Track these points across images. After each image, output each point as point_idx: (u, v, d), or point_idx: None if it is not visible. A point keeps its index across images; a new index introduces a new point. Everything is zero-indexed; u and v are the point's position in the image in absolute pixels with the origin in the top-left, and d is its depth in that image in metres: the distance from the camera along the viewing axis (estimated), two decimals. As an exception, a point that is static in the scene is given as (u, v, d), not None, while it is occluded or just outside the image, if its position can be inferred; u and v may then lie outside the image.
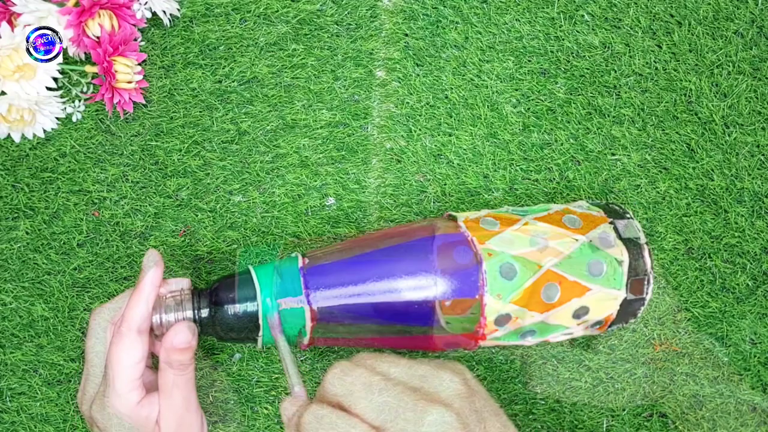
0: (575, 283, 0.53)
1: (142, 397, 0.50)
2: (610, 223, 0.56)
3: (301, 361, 0.63)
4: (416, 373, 0.42)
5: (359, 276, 0.52)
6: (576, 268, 0.53)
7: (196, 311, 0.51)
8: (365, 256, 0.53)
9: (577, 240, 0.54)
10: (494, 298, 0.52)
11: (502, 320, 0.54)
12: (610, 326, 0.57)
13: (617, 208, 0.58)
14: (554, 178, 0.65)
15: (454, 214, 0.57)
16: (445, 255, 0.52)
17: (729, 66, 0.66)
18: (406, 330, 0.53)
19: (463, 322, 0.53)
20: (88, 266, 0.63)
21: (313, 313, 0.51)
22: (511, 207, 0.59)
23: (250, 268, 0.53)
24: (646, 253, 0.55)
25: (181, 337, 0.48)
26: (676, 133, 0.65)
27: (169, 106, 0.64)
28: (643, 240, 0.56)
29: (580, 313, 0.55)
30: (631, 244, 0.55)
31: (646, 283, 0.55)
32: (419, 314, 0.53)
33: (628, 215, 0.57)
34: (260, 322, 0.51)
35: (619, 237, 0.55)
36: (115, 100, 0.62)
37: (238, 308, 0.51)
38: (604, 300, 0.55)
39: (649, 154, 0.65)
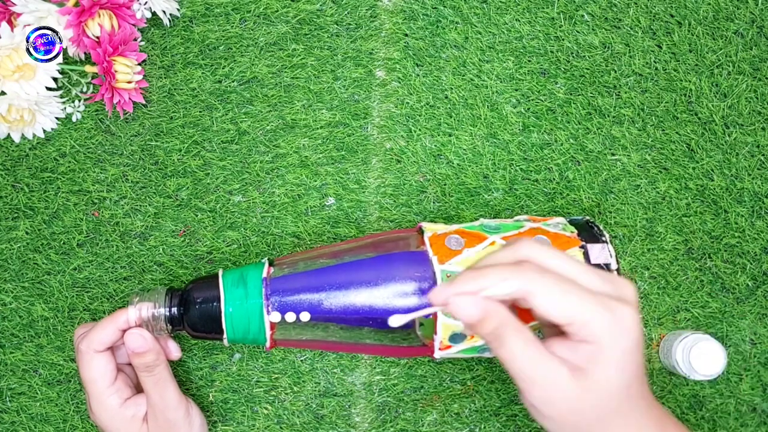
0: None
1: (127, 399, 0.54)
2: (581, 247, 0.54)
3: (301, 361, 0.63)
4: (599, 277, 0.41)
5: (319, 291, 0.53)
6: None
7: (167, 309, 0.53)
8: (327, 271, 0.54)
9: None
10: (449, 317, 0.52)
11: (458, 338, 0.54)
12: None
13: (595, 229, 0.56)
14: (554, 178, 0.65)
15: (424, 226, 0.56)
16: (405, 274, 0.53)
17: (729, 66, 0.66)
18: (365, 339, 0.54)
19: (419, 336, 0.54)
20: (88, 266, 0.63)
21: (272, 322, 0.53)
22: (486, 220, 0.57)
23: (219, 272, 0.55)
24: None
25: (131, 341, 0.52)
26: (676, 133, 0.65)
27: (169, 106, 0.64)
28: (614, 266, 0.54)
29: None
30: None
31: None
32: (376, 326, 0.54)
33: (603, 238, 0.55)
34: (223, 324, 0.53)
35: (588, 263, 0.53)
36: (115, 100, 0.61)
37: (203, 309, 0.53)
38: None
39: (649, 154, 0.65)
